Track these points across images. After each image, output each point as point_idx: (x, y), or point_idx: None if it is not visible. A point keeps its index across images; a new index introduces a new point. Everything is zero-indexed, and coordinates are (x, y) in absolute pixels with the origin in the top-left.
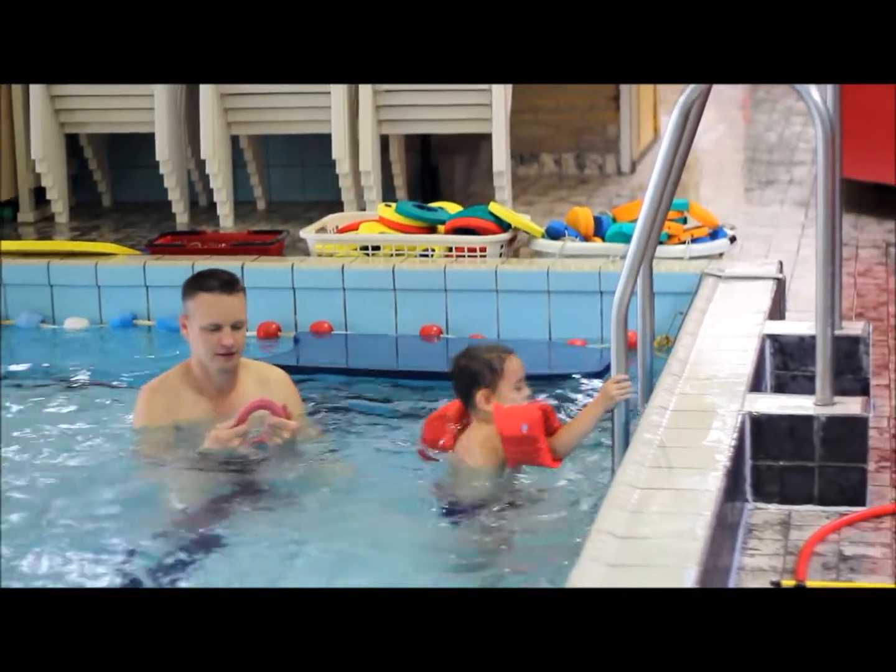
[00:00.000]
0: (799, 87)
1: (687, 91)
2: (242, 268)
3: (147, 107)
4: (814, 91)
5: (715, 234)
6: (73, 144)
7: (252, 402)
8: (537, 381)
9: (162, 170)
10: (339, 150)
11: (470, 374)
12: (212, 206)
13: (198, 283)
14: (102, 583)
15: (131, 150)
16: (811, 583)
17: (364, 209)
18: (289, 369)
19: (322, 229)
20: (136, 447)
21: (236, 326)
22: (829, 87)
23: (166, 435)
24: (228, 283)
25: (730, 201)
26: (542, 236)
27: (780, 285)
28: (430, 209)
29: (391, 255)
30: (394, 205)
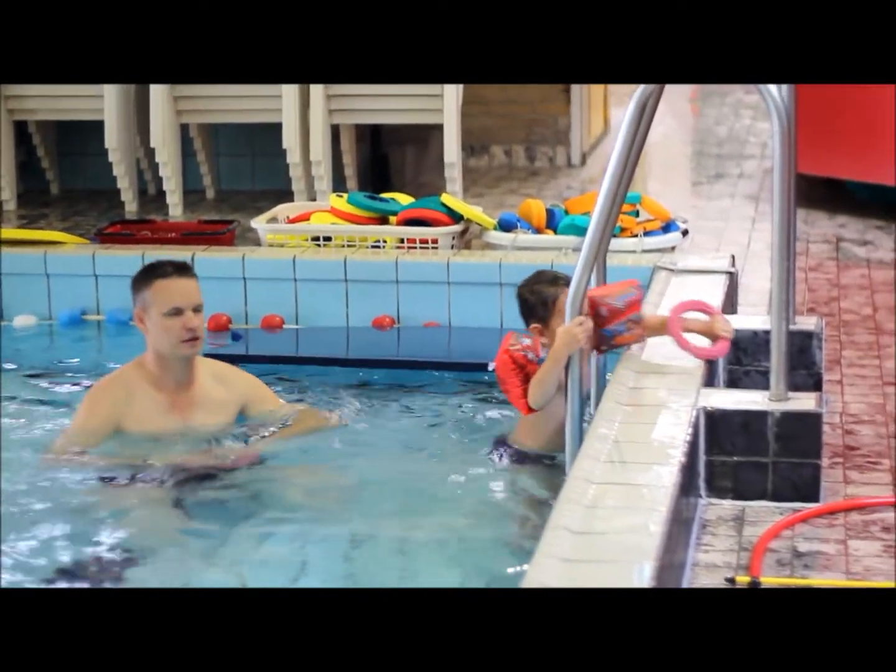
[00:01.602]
0: None
1: (643, 84)
2: (193, 257)
3: (96, 94)
4: (772, 86)
5: (667, 228)
6: (21, 131)
7: (231, 462)
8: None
9: (111, 158)
10: (290, 140)
11: (526, 306)
12: (161, 194)
13: (152, 272)
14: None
15: (80, 137)
16: (765, 579)
17: (314, 199)
18: (235, 360)
19: (273, 219)
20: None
21: (197, 310)
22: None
23: (93, 439)
24: (183, 267)
25: (680, 195)
26: (495, 228)
27: (733, 279)
28: (382, 200)
29: (343, 246)
30: (345, 195)
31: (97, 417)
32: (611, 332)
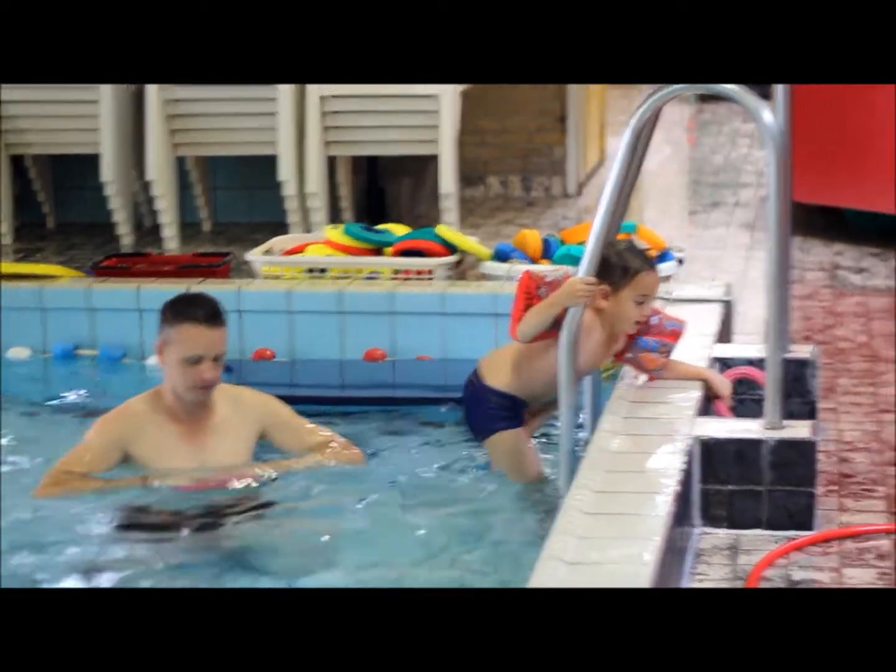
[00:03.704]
0: (751, 108)
1: (639, 112)
2: (188, 290)
3: (92, 127)
4: (766, 112)
5: (662, 257)
6: (17, 165)
7: (232, 475)
8: None
9: (107, 191)
10: (286, 172)
11: (606, 265)
12: (157, 227)
13: (182, 312)
14: None
15: (76, 171)
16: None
17: (310, 231)
18: None
19: (268, 251)
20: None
21: (217, 359)
22: (780, 109)
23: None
24: (214, 315)
25: (676, 224)
26: (490, 259)
27: (728, 308)
28: (377, 231)
29: (338, 278)
30: (341, 227)
31: (102, 442)
32: (643, 344)
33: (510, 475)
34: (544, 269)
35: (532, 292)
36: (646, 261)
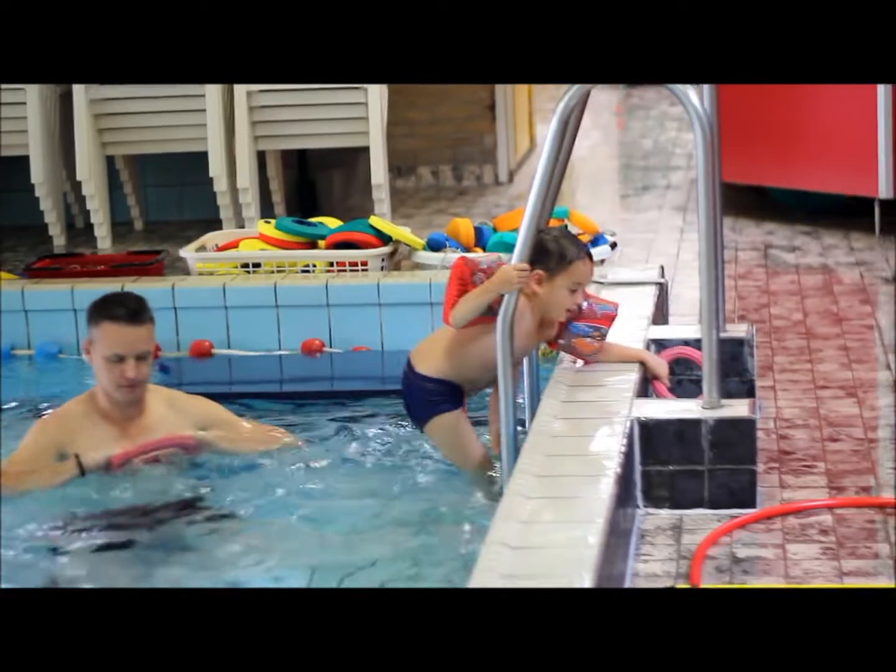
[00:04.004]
0: (677, 91)
1: (565, 99)
2: (122, 289)
3: (20, 129)
4: (692, 95)
5: (596, 241)
6: None
7: (152, 442)
8: None
9: (37, 192)
10: (216, 168)
11: (543, 250)
12: (89, 227)
13: (104, 311)
14: None
15: (5, 173)
16: (705, 586)
17: (243, 226)
18: None
19: (202, 248)
20: None
21: (141, 357)
22: (707, 91)
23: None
24: (135, 313)
25: (608, 208)
26: (424, 248)
27: (663, 290)
28: (310, 224)
29: (272, 272)
30: (273, 221)
31: (39, 444)
32: (576, 329)
33: (455, 461)
34: (478, 256)
35: (466, 279)
36: (581, 249)
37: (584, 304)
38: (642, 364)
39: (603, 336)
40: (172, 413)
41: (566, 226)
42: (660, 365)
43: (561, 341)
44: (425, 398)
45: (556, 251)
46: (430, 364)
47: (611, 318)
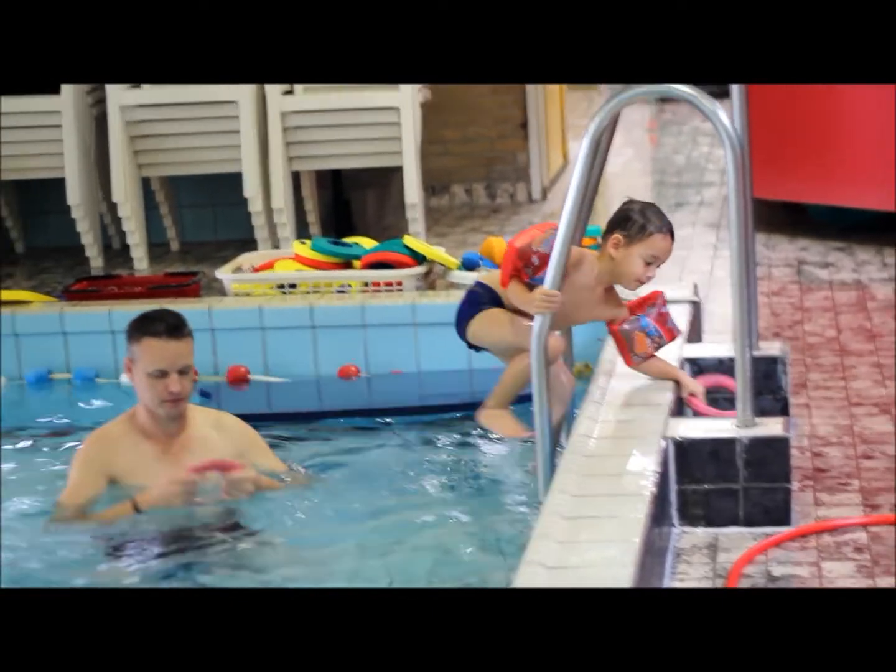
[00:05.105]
0: (706, 110)
1: (597, 118)
2: None
3: (57, 152)
4: (721, 114)
5: None
6: None
7: (203, 462)
8: (459, 410)
9: (74, 214)
10: (251, 189)
11: (625, 215)
12: (125, 248)
13: (144, 327)
14: None
15: (43, 195)
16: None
17: (278, 247)
18: None
19: (238, 269)
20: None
21: (183, 372)
22: (737, 108)
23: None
24: (175, 328)
25: None
26: (458, 268)
27: (696, 308)
28: (345, 245)
29: (308, 293)
30: (308, 241)
31: (86, 471)
32: (645, 324)
33: (500, 351)
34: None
35: (518, 264)
36: (665, 224)
37: (665, 309)
38: (677, 383)
39: (659, 346)
40: (218, 434)
41: (599, 245)
42: (695, 384)
43: (625, 326)
44: (470, 299)
45: (640, 220)
46: (492, 280)
47: (673, 336)
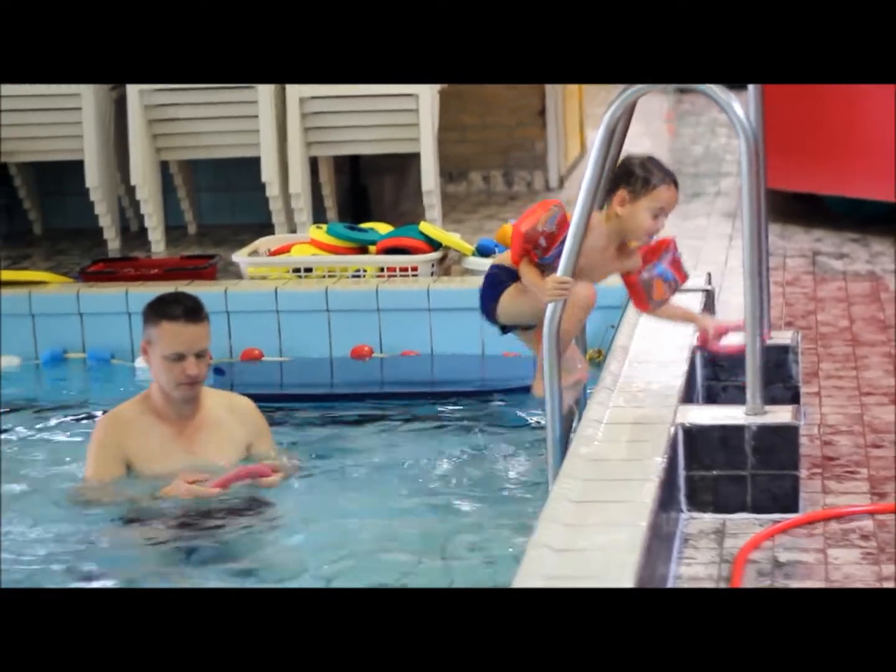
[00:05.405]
0: (721, 101)
1: (612, 108)
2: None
3: (76, 134)
4: (736, 105)
5: None
6: (2, 174)
7: (239, 470)
8: (471, 396)
9: (92, 196)
10: (269, 173)
11: (627, 171)
12: (143, 231)
13: (161, 310)
14: None
15: (61, 177)
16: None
17: (295, 231)
18: None
19: (254, 252)
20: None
21: (200, 355)
22: (752, 100)
23: (111, 486)
24: (193, 311)
25: None
26: (473, 254)
27: (710, 297)
28: (361, 230)
29: (324, 277)
30: (325, 226)
31: (105, 455)
32: (660, 270)
33: (533, 320)
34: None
35: (528, 245)
36: (667, 175)
37: (677, 254)
38: (696, 324)
39: (675, 290)
40: (232, 417)
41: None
42: (710, 319)
43: (644, 275)
44: (492, 280)
45: (642, 174)
46: (506, 259)
47: (685, 279)
